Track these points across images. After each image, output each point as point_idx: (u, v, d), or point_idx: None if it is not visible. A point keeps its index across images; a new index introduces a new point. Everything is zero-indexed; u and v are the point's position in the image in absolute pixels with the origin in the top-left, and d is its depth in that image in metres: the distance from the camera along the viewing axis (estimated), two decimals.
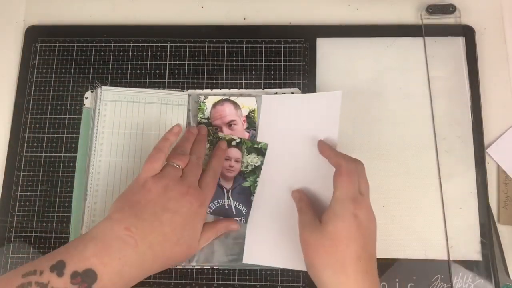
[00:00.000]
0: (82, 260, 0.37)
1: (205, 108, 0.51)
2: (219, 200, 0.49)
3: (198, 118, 0.51)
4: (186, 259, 0.44)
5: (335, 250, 0.39)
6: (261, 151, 0.50)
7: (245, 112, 0.51)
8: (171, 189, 0.42)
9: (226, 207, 0.49)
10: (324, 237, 0.40)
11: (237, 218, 0.48)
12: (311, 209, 0.44)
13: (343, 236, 0.39)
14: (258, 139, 0.50)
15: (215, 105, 0.52)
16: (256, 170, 0.49)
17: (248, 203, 0.49)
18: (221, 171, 0.48)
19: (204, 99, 0.52)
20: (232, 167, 0.50)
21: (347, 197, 0.41)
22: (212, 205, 0.49)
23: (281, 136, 0.50)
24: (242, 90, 0.52)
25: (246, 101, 0.51)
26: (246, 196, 0.49)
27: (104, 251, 0.38)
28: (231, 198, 0.49)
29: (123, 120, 0.51)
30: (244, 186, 0.49)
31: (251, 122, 0.51)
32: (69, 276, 0.36)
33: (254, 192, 0.49)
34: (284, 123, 0.50)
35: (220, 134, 0.50)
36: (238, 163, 0.50)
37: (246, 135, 0.51)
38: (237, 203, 0.49)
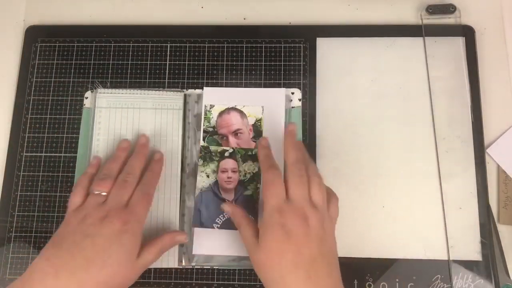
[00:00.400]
0: None
1: (211, 117, 0.51)
2: (224, 214, 0.48)
3: (204, 127, 0.51)
4: (129, 278, 0.42)
5: (272, 263, 0.39)
6: (256, 157, 0.49)
7: (251, 121, 0.51)
8: (89, 216, 0.42)
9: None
10: (261, 252, 0.40)
11: None
12: (249, 222, 0.44)
13: (275, 249, 0.40)
14: None
15: (221, 113, 0.51)
16: (255, 177, 0.49)
17: (254, 212, 0.48)
18: (156, 184, 0.47)
19: (210, 107, 0.51)
20: (230, 178, 0.49)
21: (272, 209, 0.41)
22: (218, 220, 0.48)
23: None
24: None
25: (252, 110, 0.51)
26: (251, 204, 0.48)
27: (27, 283, 0.39)
28: None
29: (118, 127, 0.51)
30: (246, 195, 0.48)
31: (257, 131, 0.50)
32: None
33: (258, 199, 0.48)
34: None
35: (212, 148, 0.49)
36: (236, 173, 0.49)
37: (252, 145, 0.50)
38: None
